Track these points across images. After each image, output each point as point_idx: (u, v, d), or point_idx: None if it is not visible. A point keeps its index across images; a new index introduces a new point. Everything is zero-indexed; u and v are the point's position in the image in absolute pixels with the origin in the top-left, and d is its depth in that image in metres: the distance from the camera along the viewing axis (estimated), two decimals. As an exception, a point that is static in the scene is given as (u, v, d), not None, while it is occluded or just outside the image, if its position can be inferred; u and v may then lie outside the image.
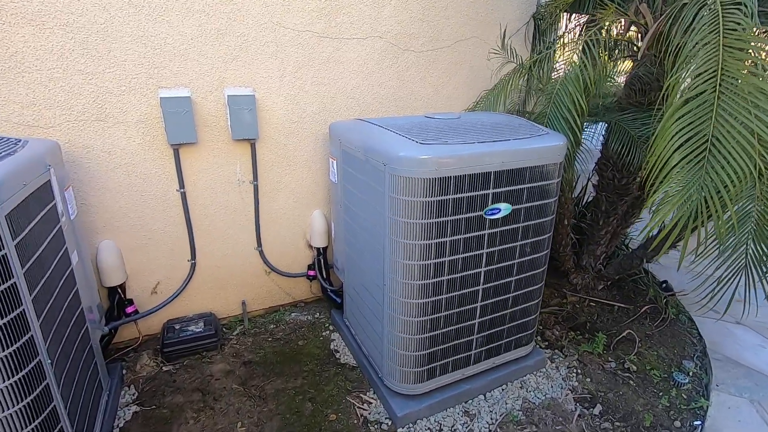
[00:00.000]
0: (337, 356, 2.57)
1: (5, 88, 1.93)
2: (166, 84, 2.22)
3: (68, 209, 1.84)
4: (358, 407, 2.21)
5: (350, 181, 2.20)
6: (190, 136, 2.29)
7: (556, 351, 2.66)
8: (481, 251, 1.97)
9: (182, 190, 2.41)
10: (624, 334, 2.80)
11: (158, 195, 2.39)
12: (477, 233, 1.92)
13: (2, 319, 1.26)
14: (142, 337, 2.54)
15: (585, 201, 3.56)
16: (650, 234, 2.85)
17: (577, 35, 2.71)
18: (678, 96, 1.60)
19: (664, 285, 3.30)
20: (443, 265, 1.90)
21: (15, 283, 1.30)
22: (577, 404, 2.30)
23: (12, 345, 1.29)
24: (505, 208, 1.94)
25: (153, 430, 2.04)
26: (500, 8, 2.97)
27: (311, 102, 2.58)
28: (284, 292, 2.97)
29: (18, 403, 1.33)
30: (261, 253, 2.76)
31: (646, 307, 3.08)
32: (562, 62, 2.65)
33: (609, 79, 2.80)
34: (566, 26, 3.03)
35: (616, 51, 3.00)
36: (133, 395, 2.24)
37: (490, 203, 1.89)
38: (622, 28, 2.75)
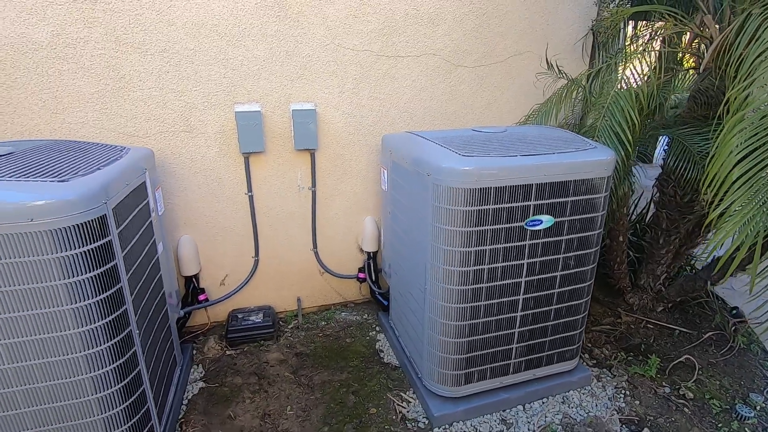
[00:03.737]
0: (381, 356, 2.71)
1: (115, 105, 2.32)
2: (241, 100, 2.52)
3: (157, 207, 2.16)
4: (397, 404, 2.32)
5: (398, 190, 2.35)
6: (259, 145, 2.57)
7: (604, 370, 2.58)
8: (522, 261, 2.02)
9: (250, 194, 2.70)
10: (682, 359, 2.65)
11: (230, 197, 2.69)
12: (517, 243, 1.97)
13: (105, 292, 1.55)
14: (210, 323, 2.85)
15: (648, 218, 3.40)
16: (714, 255, 2.69)
17: (634, 49, 2.65)
18: (737, 108, 1.55)
19: (734, 311, 3.05)
20: (482, 272, 1.98)
21: (116, 264, 1.59)
22: (623, 426, 2.23)
23: (111, 315, 1.58)
24: (546, 220, 1.97)
25: (216, 404, 2.30)
26: (557, 23, 2.98)
27: (367, 115, 2.78)
28: (336, 292, 3.17)
29: (112, 364, 1.61)
30: (316, 254, 2.99)
31: (711, 333, 2.88)
32: (621, 76, 2.61)
33: (671, 92, 2.70)
34: (624, 41, 2.97)
35: (681, 64, 2.89)
36: (201, 373, 2.53)
37: (531, 215, 1.94)
38: (687, 41, 2.65)
